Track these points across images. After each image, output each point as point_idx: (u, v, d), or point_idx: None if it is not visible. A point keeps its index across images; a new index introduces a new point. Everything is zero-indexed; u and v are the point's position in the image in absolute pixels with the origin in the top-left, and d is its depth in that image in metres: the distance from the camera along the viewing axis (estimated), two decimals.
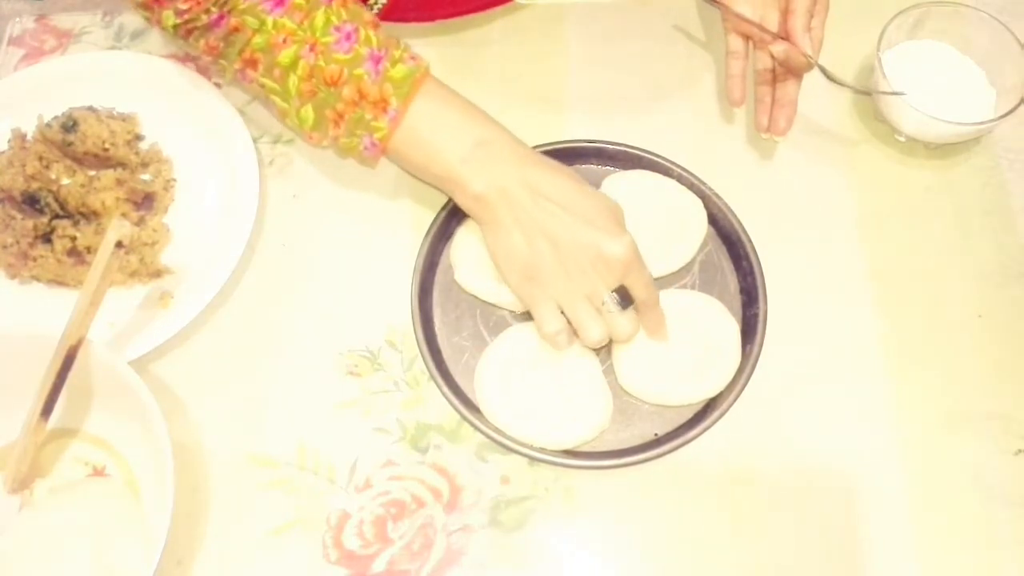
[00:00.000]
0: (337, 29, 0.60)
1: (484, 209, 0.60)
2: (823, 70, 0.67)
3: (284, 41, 0.60)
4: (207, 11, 0.60)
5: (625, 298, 0.59)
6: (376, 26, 0.62)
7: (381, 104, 0.60)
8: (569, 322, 0.60)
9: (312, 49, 0.60)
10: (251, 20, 0.60)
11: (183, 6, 0.60)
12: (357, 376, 0.63)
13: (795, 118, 0.69)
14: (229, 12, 0.60)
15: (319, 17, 0.60)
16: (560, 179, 0.60)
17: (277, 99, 0.62)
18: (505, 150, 0.60)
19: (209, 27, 0.61)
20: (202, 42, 0.62)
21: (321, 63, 0.60)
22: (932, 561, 0.57)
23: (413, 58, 0.62)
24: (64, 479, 0.59)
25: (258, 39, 0.60)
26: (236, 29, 0.60)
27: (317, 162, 0.71)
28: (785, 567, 0.57)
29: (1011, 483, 0.59)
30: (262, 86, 0.62)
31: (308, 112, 0.61)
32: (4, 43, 0.77)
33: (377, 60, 0.60)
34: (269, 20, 0.60)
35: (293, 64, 0.60)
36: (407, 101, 0.60)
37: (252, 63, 0.61)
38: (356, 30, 0.60)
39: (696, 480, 0.60)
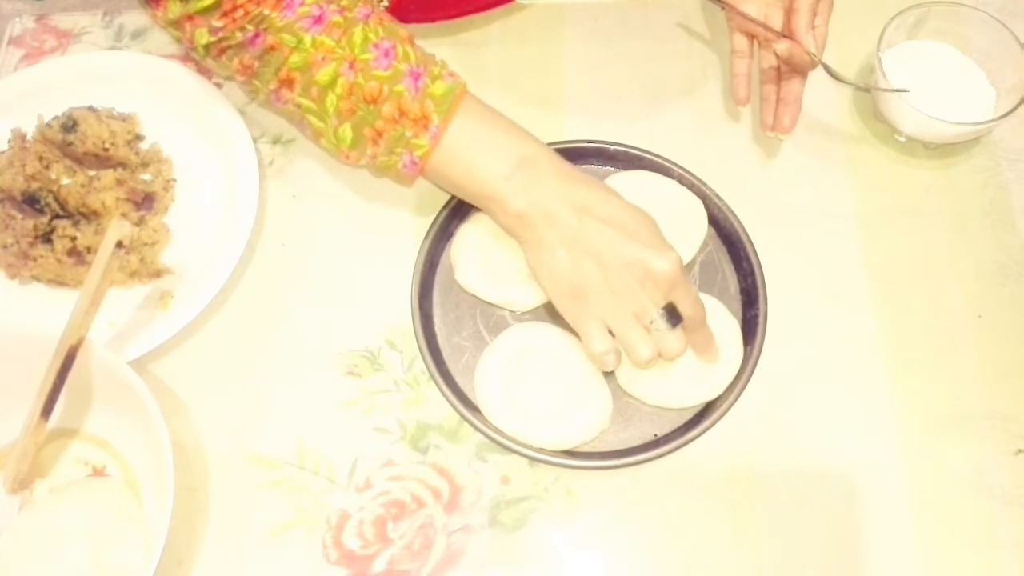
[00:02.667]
0: (376, 46, 0.59)
1: (526, 228, 0.59)
2: (827, 68, 0.67)
3: (323, 59, 0.58)
4: (242, 28, 0.58)
5: (673, 316, 0.57)
6: (412, 42, 0.61)
7: (422, 121, 0.59)
8: (617, 341, 0.59)
9: (351, 67, 0.59)
10: (288, 38, 0.58)
11: (218, 23, 0.58)
12: (357, 376, 0.63)
13: (799, 116, 0.69)
14: (265, 30, 0.58)
15: (357, 34, 0.59)
16: (603, 196, 0.59)
17: (313, 119, 0.61)
18: (547, 168, 0.59)
19: (244, 45, 0.59)
20: (236, 61, 0.60)
21: (360, 80, 0.59)
22: (932, 561, 0.57)
23: (451, 75, 0.61)
24: (64, 479, 0.59)
25: (295, 57, 0.59)
26: (273, 48, 0.59)
27: (317, 162, 0.71)
28: (785, 567, 0.57)
29: (1011, 483, 0.59)
30: (298, 106, 0.61)
31: (346, 131, 0.60)
32: (4, 43, 0.77)
33: (416, 76, 0.59)
34: (307, 38, 0.58)
35: (332, 82, 0.59)
36: (448, 118, 0.59)
37: (288, 83, 0.60)
38: (394, 47, 0.59)
39: (696, 480, 0.60)
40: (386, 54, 0.59)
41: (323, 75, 0.59)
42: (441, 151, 0.60)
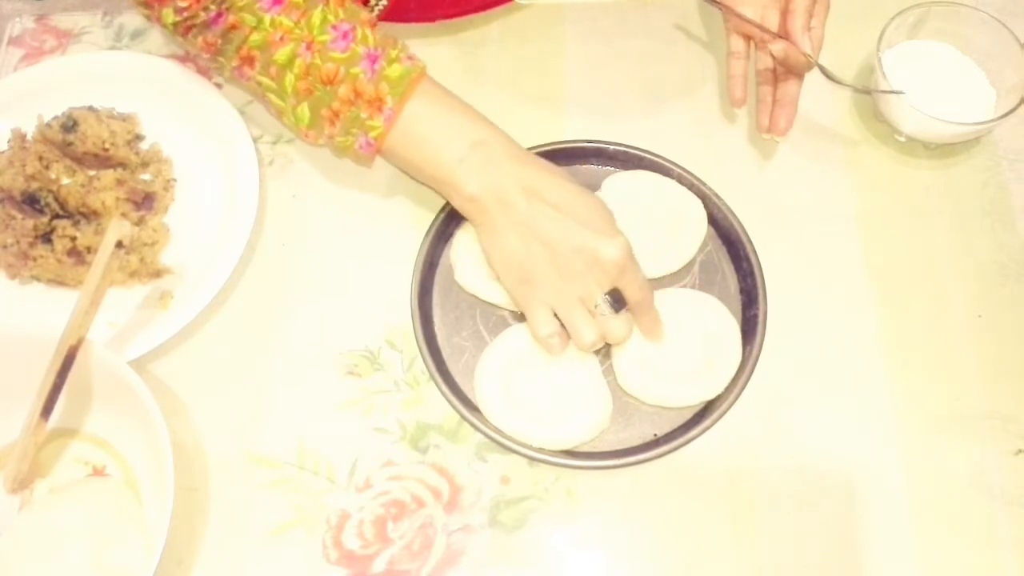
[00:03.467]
0: (334, 28, 0.60)
1: (479, 211, 0.60)
2: (823, 69, 0.67)
3: (281, 39, 0.60)
4: (206, 8, 0.60)
5: (618, 301, 0.59)
6: (373, 25, 0.62)
7: (376, 103, 0.60)
8: (563, 325, 0.60)
9: (309, 47, 0.60)
10: (248, 18, 0.60)
11: (183, 3, 0.60)
12: (357, 376, 0.63)
13: (796, 118, 0.69)
14: (227, 9, 0.60)
15: (316, 16, 0.60)
16: (555, 181, 0.60)
17: (273, 97, 0.62)
18: (500, 152, 0.60)
19: (207, 24, 0.61)
20: (200, 39, 0.62)
21: (317, 61, 0.60)
22: (932, 561, 0.57)
23: (410, 58, 0.62)
24: (64, 479, 0.59)
25: (255, 37, 0.60)
26: (234, 27, 0.60)
27: (317, 162, 0.71)
28: (785, 567, 0.57)
29: (1011, 483, 0.59)
30: (259, 84, 0.62)
31: (304, 111, 0.62)
32: (4, 43, 0.77)
33: (374, 59, 0.60)
34: (267, 18, 0.60)
35: (289, 62, 0.60)
36: (403, 100, 0.60)
37: (249, 60, 0.61)
38: (353, 29, 0.60)
39: (696, 480, 0.60)
40: (344, 36, 0.60)
41: (281, 55, 0.60)
42: (396, 133, 0.61)
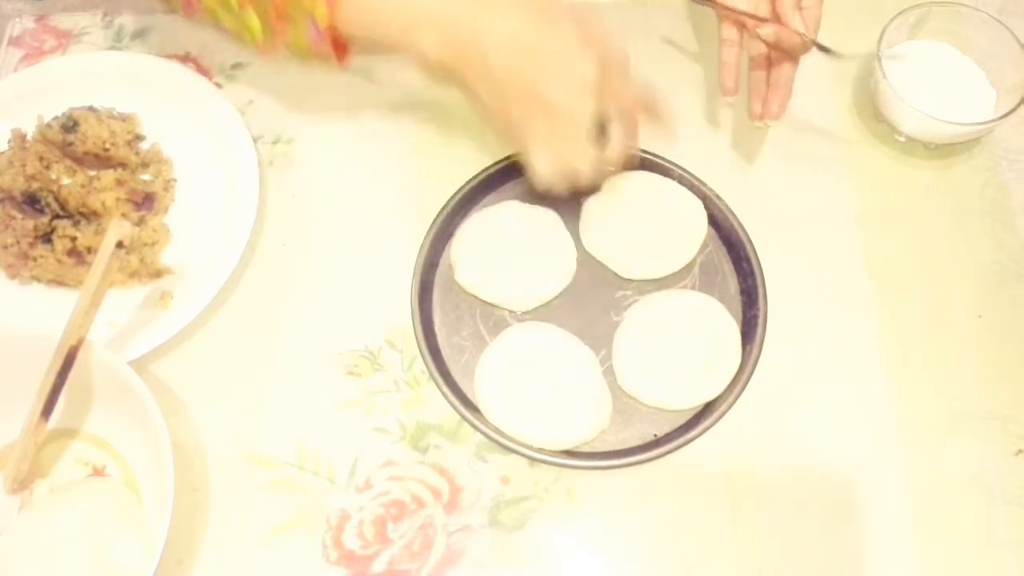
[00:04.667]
0: None
1: (448, 76, 0.56)
2: (819, 46, 0.65)
3: None
4: None
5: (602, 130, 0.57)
6: None
7: None
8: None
9: None
10: None
11: None
12: (357, 376, 0.63)
13: (789, 102, 0.67)
14: None
15: None
16: (509, 19, 0.55)
17: (223, 14, 0.59)
18: (450, 4, 0.56)
19: None
20: None
21: None
22: (932, 561, 0.57)
23: None
24: (64, 479, 0.59)
25: None
26: None
27: (317, 162, 0.71)
28: (785, 567, 0.57)
29: (1011, 483, 0.59)
30: (206, 8, 0.60)
31: (252, 19, 0.59)
32: (4, 43, 0.77)
33: None
34: None
35: None
36: None
37: None
38: None
39: (696, 480, 0.60)
40: None
41: None
42: (344, 13, 0.56)
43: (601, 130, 0.57)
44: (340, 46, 0.59)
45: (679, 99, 0.74)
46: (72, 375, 0.55)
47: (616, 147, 0.58)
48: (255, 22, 0.59)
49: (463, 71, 0.56)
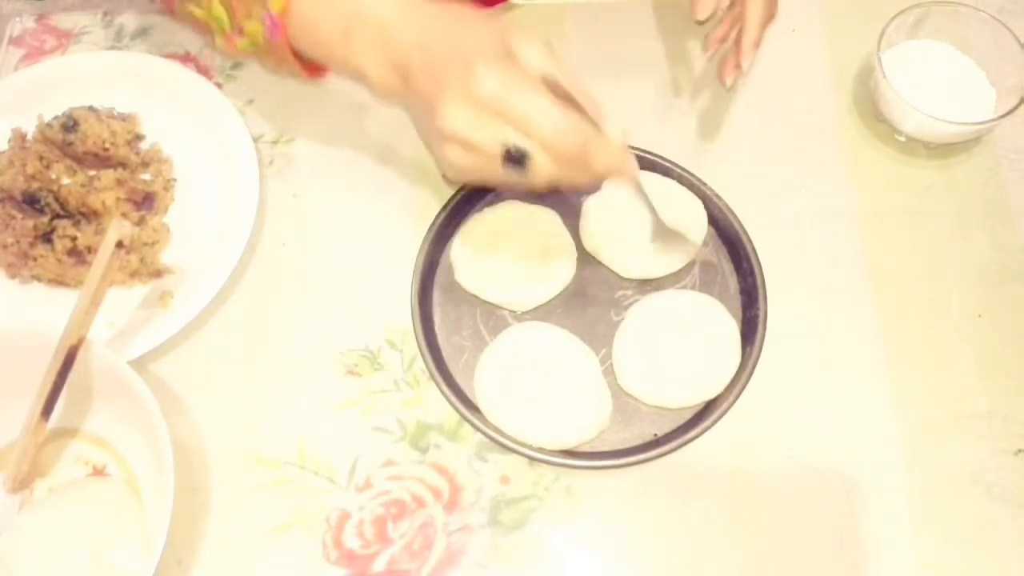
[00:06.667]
0: None
1: (390, 94, 0.55)
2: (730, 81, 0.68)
3: None
4: None
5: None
6: None
7: None
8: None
9: None
10: None
11: None
12: (357, 376, 0.63)
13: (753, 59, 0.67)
14: None
15: None
16: (431, 26, 0.52)
17: (194, 9, 0.59)
18: (376, 27, 0.53)
19: None
20: None
21: None
22: (932, 561, 0.57)
23: None
24: (64, 479, 0.59)
25: None
26: None
27: (317, 162, 0.71)
28: (785, 567, 0.57)
29: (1011, 483, 0.59)
30: (182, 3, 0.59)
31: (220, 11, 0.58)
32: (4, 43, 0.77)
33: None
34: None
35: None
36: None
37: None
38: None
39: (696, 480, 0.60)
40: None
41: None
42: (297, 3, 0.55)
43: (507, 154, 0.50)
44: (309, 65, 0.58)
45: (679, 99, 0.74)
46: (72, 375, 0.55)
47: (537, 170, 0.50)
48: (222, 14, 0.58)
49: (400, 87, 0.54)
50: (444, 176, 0.55)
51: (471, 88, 0.48)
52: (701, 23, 0.68)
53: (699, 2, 0.66)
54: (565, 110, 0.48)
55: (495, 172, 0.50)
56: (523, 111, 0.48)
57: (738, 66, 0.67)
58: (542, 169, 0.49)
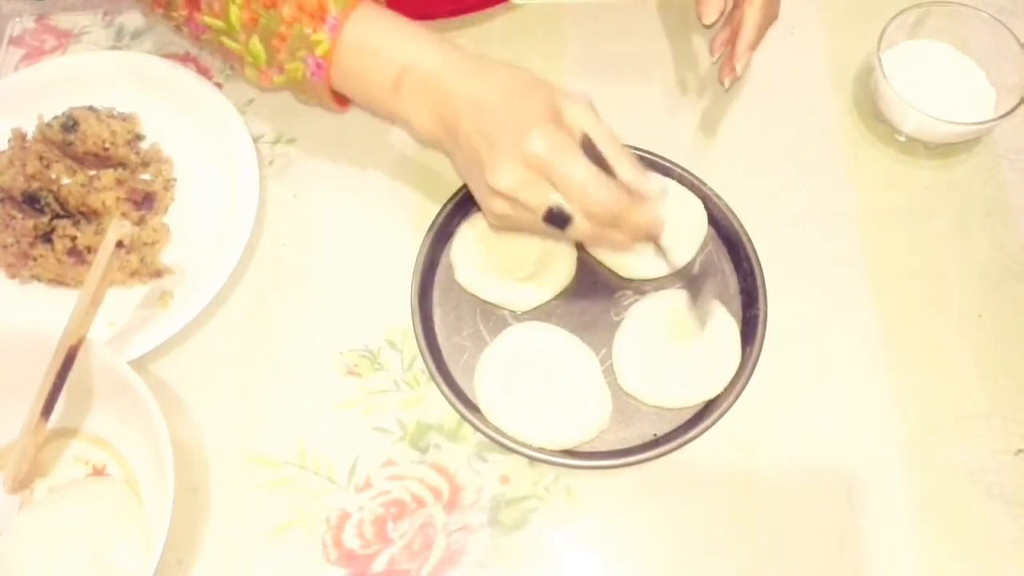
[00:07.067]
0: None
1: (436, 143, 0.58)
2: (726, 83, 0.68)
3: None
4: None
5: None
6: None
7: (320, 14, 0.57)
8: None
9: None
10: None
11: None
12: (357, 376, 0.63)
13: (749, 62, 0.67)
14: None
15: None
16: (485, 85, 0.55)
17: (227, 40, 0.60)
18: (433, 74, 0.56)
19: None
20: None
21: None
22: (932, 561, 0.57)
23: None
24: (64, 479, 0.59)
25: None
26: None
27: (317, 162, 0.71)
28: (785, 567, 0.57)
29: (1011, 483, 0.59)
30: (209, 28, 0.61)
31: (257, 45, 0.59)
32: (4, 43, 0.77)
33: None
34: None
35: None
36: (347, 10, 0.57)
37: (195, 3, 0.60)
38: None
39: (696, 480, 0.60)
40: None
41: None
42: (343, 50, 0.58)
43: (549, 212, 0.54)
44: (341, 99, 0.61)
45: (679, 99, 0.74)
46: (72, 375, 0.55)
47: (576, 231, 0.54)
48: (259, 49, 0.60)
49: (444, 137, 0.57)
50: (489, 224, 0.59)
51: (524, 150, 0.52)
52: (708, 27, 0.68)
53: (705, 6, 0.67)
54: (607, 181, 0.53)
55: (536, 226, 0.55)
56: (570, 178, 0.52)
57: (733, 69, 0.67)
58: (580, 229, 0.54)
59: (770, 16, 0.67)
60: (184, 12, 0.61)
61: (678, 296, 0.64)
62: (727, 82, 0.68)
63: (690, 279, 0.58)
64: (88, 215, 0.66)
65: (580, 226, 0.54)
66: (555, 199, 0.53)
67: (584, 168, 0.53)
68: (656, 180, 0.55)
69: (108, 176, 0.66)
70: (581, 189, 0.52)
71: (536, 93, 0.55)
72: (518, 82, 0.55)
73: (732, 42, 0.68)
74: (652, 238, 0.57)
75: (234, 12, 0.59)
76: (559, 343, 0.62)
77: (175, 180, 0.69)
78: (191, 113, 0.71)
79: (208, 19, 0.60)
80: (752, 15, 0.66)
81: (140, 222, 0.67)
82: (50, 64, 0.74)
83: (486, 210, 0.57)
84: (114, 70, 0.73)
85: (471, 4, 0.74)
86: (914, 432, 0.61)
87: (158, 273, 0.65)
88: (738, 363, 0.61)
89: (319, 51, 0.58)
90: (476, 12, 0.75)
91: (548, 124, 0.53)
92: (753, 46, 0.67)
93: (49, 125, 0.67)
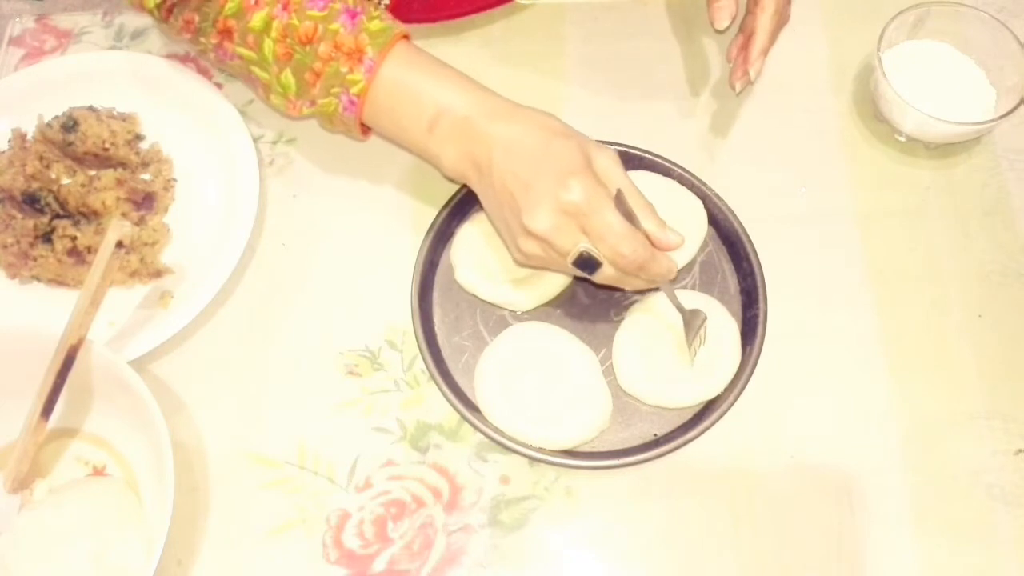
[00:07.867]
0: None
1: (464, 180, 0.60)
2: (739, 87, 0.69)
3: (256, 3, 0.59)
4: None
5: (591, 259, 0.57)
6: None
7: (357, 55, 0.58)
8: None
9: (285, 8, 0.59)
10: None
11: None
12: (357, 376, 0.63)
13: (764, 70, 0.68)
14: None
15: None
16: (520, 128, 0.57)
17: (257, 70, 0.61)
18: (458, 123, 0.58)
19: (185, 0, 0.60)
20: (180, 19, 0.61)
21: (295, 21, 0.59)
22: (932, 561, 0.57)
23: (392, 19, 0.61)
24: (64, 479, 0.59)
25: (231, 5, 0.59)
26: None
27: (317, 162, 0.71)
28: (785, 567, 0.57)
29: (1011, 483, 0.59)
30: (240, 57, 0.61)
31: (288, 77, 0.60)
32: (4, 43, 0.76)
33: (353, 15, 0.59)
34: None
35: (266, 26, 0.59)
36: (384, 52, 0.59)
37: (227, 33, 0.60)
38: None
39: (696, 480, 0.60)
40: None
41: (257, 20, 0.59)
42: (378, 89, 0.59)
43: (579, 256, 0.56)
44: (367, 128, 0.63)
45: (680, 99, 0.74)
46: (72, 375, 0.55)
47: (602, 275, 0.57)
48: (290, 81, 0.60)
49: (474, 176, 0.59)
50: (515, 261, 0.61)
51: (562, 198, 0.55)
52: (720, 32, 0.69)
53: (718, 12, 0.67)
54: (637, 234, 0.56)
55: (563, 267, 0.58)
56: (605, 229, 0.55)
57: (745, 73, 0.67)
58: (606, 274, 0.57)
59: (782, 21, 0.68)
60: (215, 40, 0.62)
61: (678, 296, 0.64)
62: (738, 86, 0.68)
63: (687, 314, 0.59)
64: (88, 215, 0.66)
65: (606, 271, 0.57)
66: (584, 245, 0.55)
67: (618, 221, 0.55)
68: (675, 233, 0.58)
69: (108, 176, 0.66)
70: (614, 240, 0.55)
71: (570, 142, 0.57)
72: (551, 129, 0.58)
73: (745, 47, 0.68)
74: (664, 283, 0.59)
75: (268, 46, 0.60)
76: (559, 343, 0.62)
77: (175, 180, 0.69)
78: (191, 113, 0.71)
79: (240, 50, 0.61)
80: (765, 22, 0.67)
81: (140, 222, 0.67)
82: (50, 64, 0.73)
83: (516, 248, 0.59)
84: (114, 70, 0.73)
85: (474, 6, 0.74)
86: (914, 432, 0.61)
87: (158, 273, 0.65)
88: (738, 363, 0.61)
89: (354, 90, 0.59)
90: (478, 14, 0.75)
91: (585, 173, 0.55)
92: (766, 51, 0.67)
93: (49, 125, 0.67)
